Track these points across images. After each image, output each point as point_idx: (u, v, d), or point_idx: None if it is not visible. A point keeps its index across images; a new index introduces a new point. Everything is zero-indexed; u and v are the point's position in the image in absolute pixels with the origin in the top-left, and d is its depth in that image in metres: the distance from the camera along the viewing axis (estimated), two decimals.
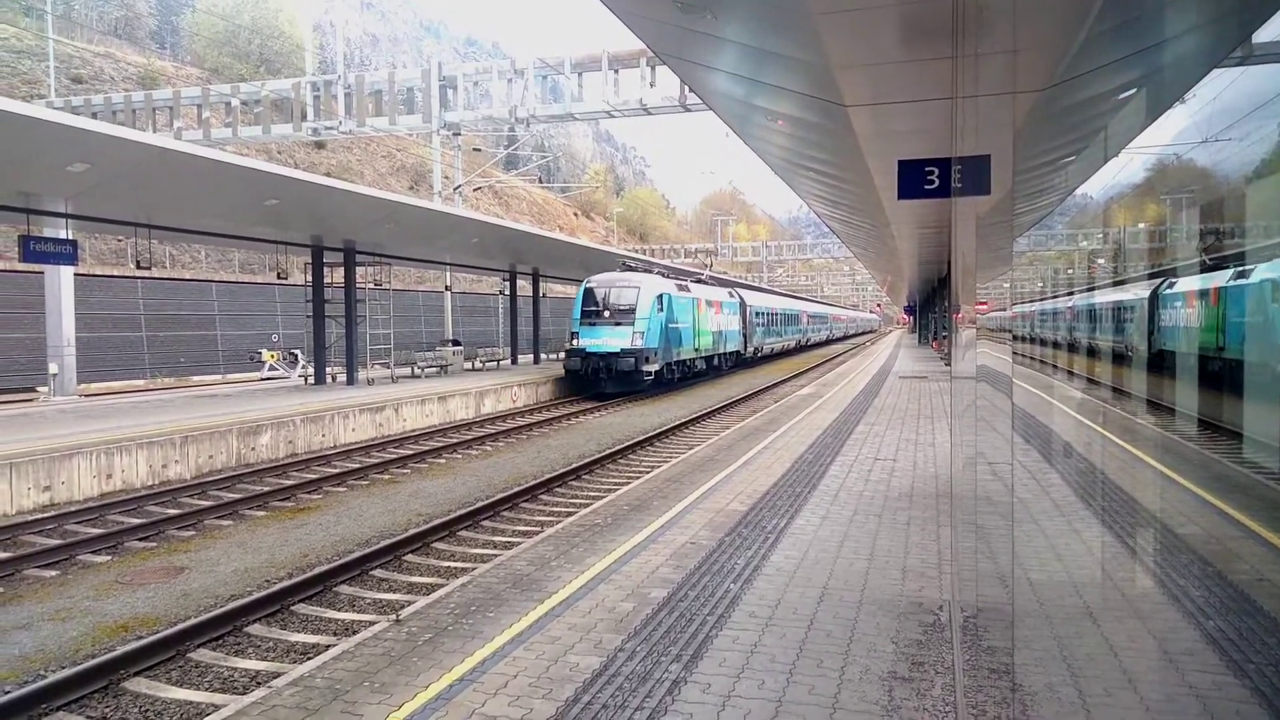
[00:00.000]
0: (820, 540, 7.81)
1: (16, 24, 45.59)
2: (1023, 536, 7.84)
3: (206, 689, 6.31)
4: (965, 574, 6.45)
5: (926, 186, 9.18)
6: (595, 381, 26.45)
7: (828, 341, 77.48)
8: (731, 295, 39.01)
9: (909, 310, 74.98)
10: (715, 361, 35.57)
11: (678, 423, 20.22)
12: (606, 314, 26.82)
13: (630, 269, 30.49)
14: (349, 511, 11.65)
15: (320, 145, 55.86)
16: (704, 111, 26.34)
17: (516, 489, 12.52)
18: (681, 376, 31.03)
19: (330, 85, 30.49)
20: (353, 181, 40.04)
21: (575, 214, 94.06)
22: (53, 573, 9.07)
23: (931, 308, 51.66)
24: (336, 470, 14.41)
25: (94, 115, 30.40)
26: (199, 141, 29.19)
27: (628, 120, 41.15)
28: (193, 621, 7.19)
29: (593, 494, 12.61)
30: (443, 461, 15.68)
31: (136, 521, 10.98)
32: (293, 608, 7.92)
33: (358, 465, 14.75)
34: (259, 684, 6.22)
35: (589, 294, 27.41)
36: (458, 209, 30.03)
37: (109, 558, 9.62)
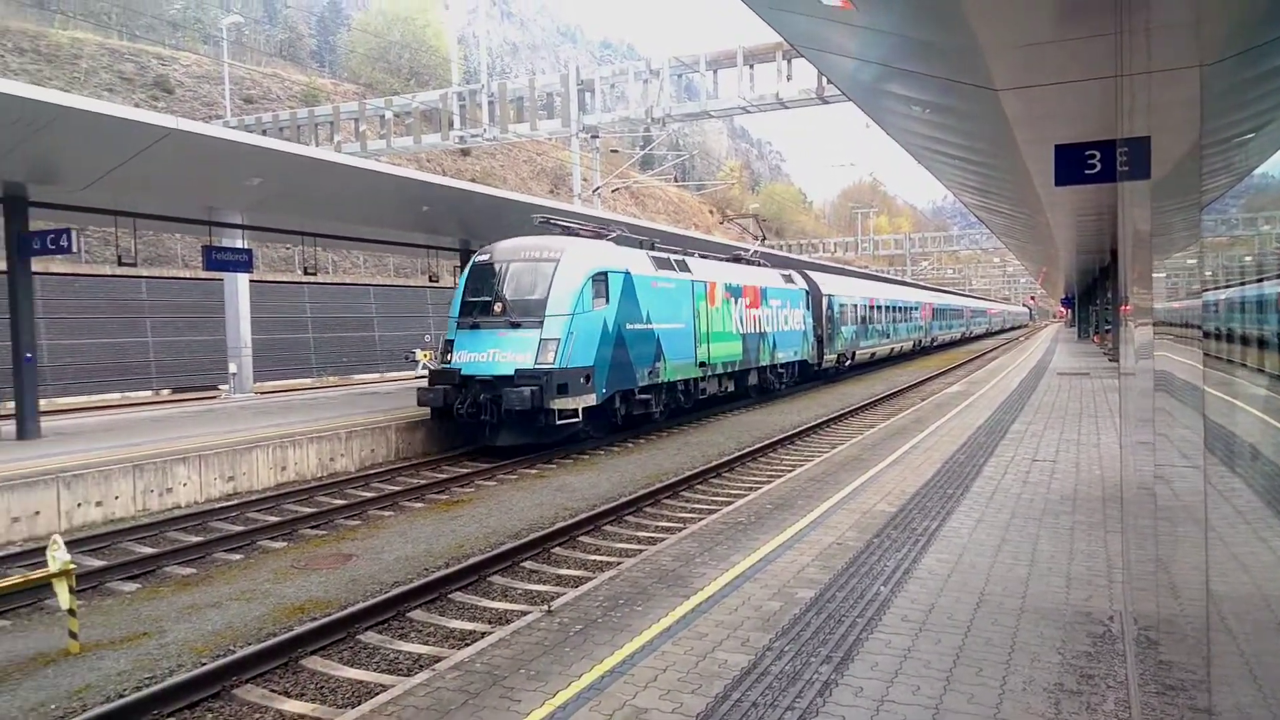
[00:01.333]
0: (975, 544, 7.52)
1: (197, 51, 49.65)
2: (1202, 545, 7.29)
3: (374, 669, 6.71)
4: (1139, 583, 6.06)
5: (1087, 171, 8.69)
6: (476, 426, 15.34)
7: (965, 340, 68.80)
8: (790, 280, 27.69)
9: (1066, 303, 70.87)
10: (753, 379, 24.08)
11: (818, 421, 19.90)
12: (498, 308, 15.78)
13: (568, 231, 18.13)
14: (499, 505, 12.09)
15: (465, 152, 58.12)
16: (842, 102, 25.74)
17: (658, 485, 12.66)
18: (675, 410, 19.76)
19: (475, 94, 31.69)
20: (496, 186, 41.47)
21: (711, 211, 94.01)
22: (237, 556, 9.88)
23: (1092, 299, 48.62)
24: (487, 465, 14.98)
25: (264, 132, 32.78)
26: (356, 153, 30.96)
27: (763, 115, 37.26)
28: (361, 606, 7.66)
29: (734, 492, 12.60)
30: (586, 457, 16.04)
31: (308, 510, 11.78)
32: (450, 595, 8.30)
33: (507, 460, 15.28)
34: (422, 666, 6.56)
35: (476, 274, 16.41)
36: (596, 209, 30.60)
37: (285, 544, 10.38)
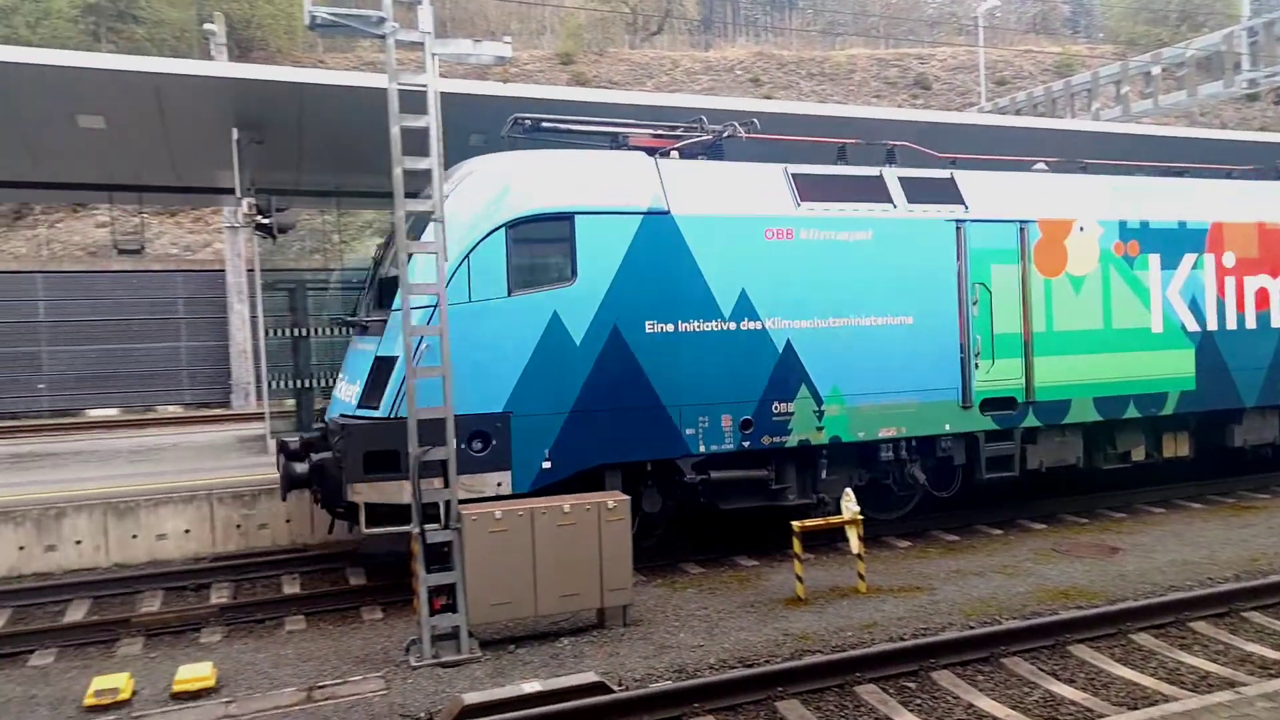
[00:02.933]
0: None
1: (953, 43, 51.95)
2: None
3: (1151, 675, 6.18)
4: None
5: None
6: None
7: None
8: None
9: None
10: (1261, 430, 11.25)
11: None
12: (367, 302, 9.14)
13: (616, 143, 9.27)
14: None
15: (1253, 98, 49.01)
16: None
17: None
18: (925, 504, 10.11)
19: (1271, 25, 26.41)
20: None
21: None
22: (997, 531, 10.14)
23: None
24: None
25: (1017, 112, 32.64)
26: (1116, 118, 28.65)
27: None
28: (1133, 604, 7.17)
29: None
30: None
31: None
32: (1243, 613, 7.18)
33: None
34: (1210, 685, 5.81)
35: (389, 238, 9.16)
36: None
37: (1044, 526, 10.27)
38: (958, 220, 9.70)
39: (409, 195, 6.92)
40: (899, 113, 15.90)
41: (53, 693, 6.40)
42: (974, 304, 9.69)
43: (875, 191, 9.52)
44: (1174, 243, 10.75)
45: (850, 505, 8.16)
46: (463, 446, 7.52)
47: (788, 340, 8.94)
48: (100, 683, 6.17)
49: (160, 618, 7.85)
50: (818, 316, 9.06)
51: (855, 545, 8.13)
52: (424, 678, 6.37)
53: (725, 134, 9.20)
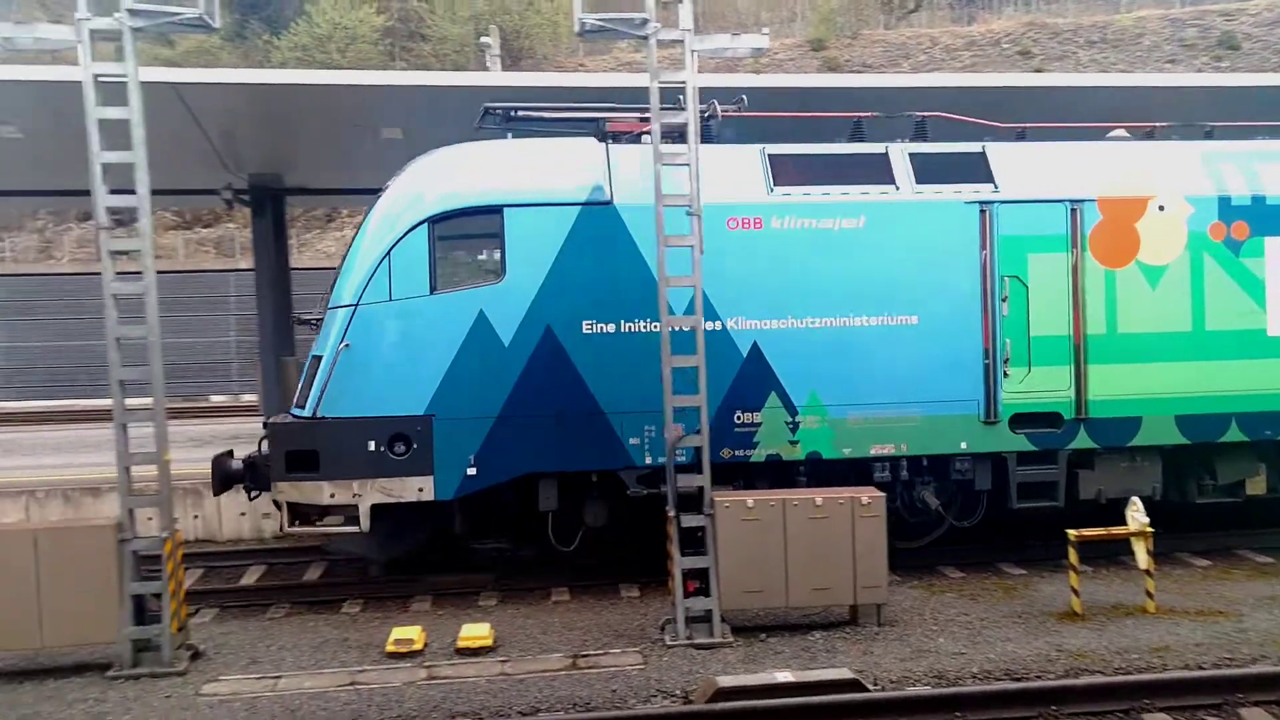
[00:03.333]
0: None
1: None
2: None
3: None
4: None
5: None
6: None
7: None
8: None
9: None
10: None
11: None
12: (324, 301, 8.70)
13: (538, 118, 8.67)
14: None
15: None
16: None
17: None
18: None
19: None
20: None
21: None
22: None
23: None
24: None
25: None
26: None
27: None
28: None
29: None
30: None
31: None
32: None
33: None
34: None
35: None
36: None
37: None
38: (982, 202, 8.23)
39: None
40: (921, 79, 13.44)
41: (360, 637, 7.29)
42: (1003, 301, 8.21)
43: (871, 172, 8.28)
44: None
45: (1138, 516, 7.41)
46: (383, 449, 7.56)
47: (754, 342, 7.98)
48: (399, 633, 6.93)
49: (445, 581, 8.68)
50: (792, 316, 8.00)
51: (1143, 560, 7.37)
52: (678, 657, 6.57)
53: (707, 114, 8.28)
